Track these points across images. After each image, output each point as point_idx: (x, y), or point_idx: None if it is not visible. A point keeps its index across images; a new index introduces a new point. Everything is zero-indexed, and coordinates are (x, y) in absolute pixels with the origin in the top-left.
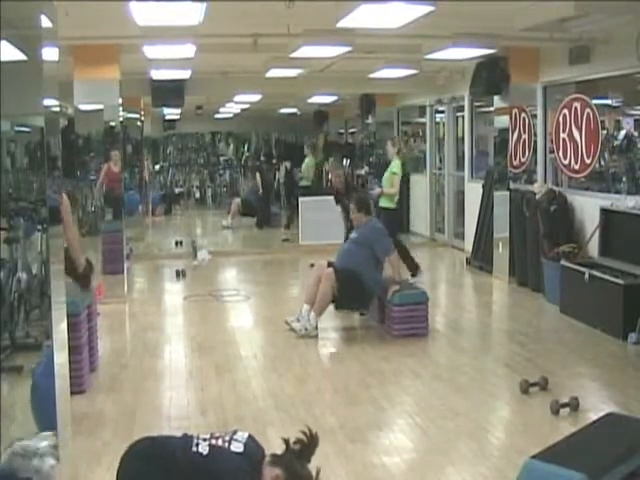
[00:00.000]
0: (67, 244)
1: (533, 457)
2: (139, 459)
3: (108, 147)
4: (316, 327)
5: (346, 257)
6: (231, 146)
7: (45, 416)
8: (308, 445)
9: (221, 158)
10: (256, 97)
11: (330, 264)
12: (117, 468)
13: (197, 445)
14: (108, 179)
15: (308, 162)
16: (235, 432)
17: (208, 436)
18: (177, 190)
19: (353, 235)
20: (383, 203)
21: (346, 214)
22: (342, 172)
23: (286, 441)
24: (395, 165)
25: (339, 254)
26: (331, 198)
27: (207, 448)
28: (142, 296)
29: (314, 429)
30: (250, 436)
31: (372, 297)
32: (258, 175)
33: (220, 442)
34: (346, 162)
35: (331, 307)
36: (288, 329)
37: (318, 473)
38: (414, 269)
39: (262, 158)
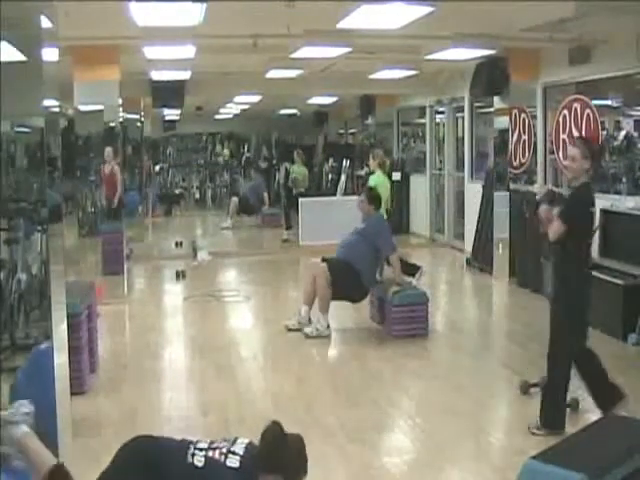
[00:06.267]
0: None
1: (533, 457)
2: (134, 465)
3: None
4: (328, 326)
5: (347, 248)
6: (225, 150)
7: None
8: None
9: (219, 158)
10: (256, 98)
11: (324, 259)
12: (113, 457)
13: (193, 456)
14: (108, 180)
15: (297, 170)
16: (235, 441)
17: (206, 445)
18: (177, 191)
19: (359, 226)
20: None
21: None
22: None
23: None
24: (375, 179)
25: (341, 244)
26: (331, 199)
27: (203, 460)
28: (142, 297)
29: (314, 429)
30: (250, 445)
31: (367, 289)
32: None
33: (217, 454)
34: (346, 163)
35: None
36: (290, 331)
37: (300, 438)
38: (414, 270)
39: (262, 158)
